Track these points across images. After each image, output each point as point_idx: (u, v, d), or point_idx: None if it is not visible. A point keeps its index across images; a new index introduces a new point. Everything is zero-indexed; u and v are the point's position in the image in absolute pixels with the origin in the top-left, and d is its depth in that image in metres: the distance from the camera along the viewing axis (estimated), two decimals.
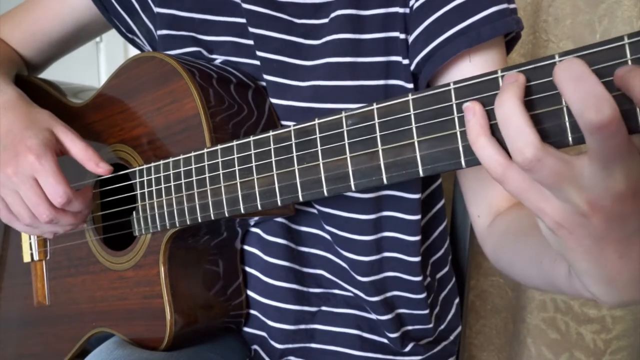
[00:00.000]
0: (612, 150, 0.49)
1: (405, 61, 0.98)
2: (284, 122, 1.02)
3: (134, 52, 1.22)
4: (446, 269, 1.15)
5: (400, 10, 0.98)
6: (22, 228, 1.01)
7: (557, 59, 0.53)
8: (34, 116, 0.99)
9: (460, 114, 0.60)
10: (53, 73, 1.29)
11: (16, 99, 1.03)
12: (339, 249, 1.02)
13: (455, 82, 0.61)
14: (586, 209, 0.52)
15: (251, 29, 1.03)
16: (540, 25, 1.43)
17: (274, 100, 1.02)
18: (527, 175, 0.54)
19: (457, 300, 1.17)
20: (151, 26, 1.12)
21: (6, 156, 0.95)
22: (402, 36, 0.98)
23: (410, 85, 0.98)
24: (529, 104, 0.55)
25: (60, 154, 0.98)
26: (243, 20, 1.05)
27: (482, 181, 0.98)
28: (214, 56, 1.07)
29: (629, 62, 0.49)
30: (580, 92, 0.48)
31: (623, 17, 1.32)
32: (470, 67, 0.95)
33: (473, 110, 0.57)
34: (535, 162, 0.52)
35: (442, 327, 1.14)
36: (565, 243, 0.57)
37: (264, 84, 1.04)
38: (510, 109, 0.53)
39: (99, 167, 0.96)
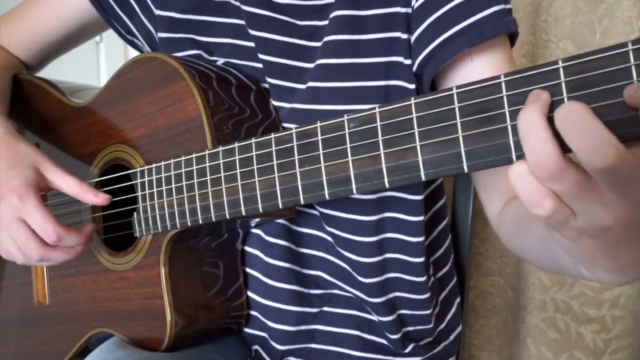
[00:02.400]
0: (624, 180, 0.49)
1: (407, 61, 0.97)
2: (286, 125, 1.02)
3: (134, 52, 1.21)
4: (447, 268, 1.15)
5: (402, 10, 0.97)
6: (20, 263, 1.02)
7: (560, 64, 0.53)
8: (19, 153, 0.99)
9: (462, 119, 0.60)
10: (53, 73, 1.29)
11: (2, 134, 1.02)
12: (341, 250, 1.02)
13: (458, 87, 0.61)
14: (610, 223, 0.53)
15: (252, 32, 1.02)
16: (540, 25, 1.43)
17: (276, 103, 1.02)
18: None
19: (457, 300, 1.17)
20: (151, 27, 1.11)
21: None
22: (404, 36, 0.97)
23: (412, 86, 0.98)
24: None
25: (48, 189, 0.99)
26: (241, 22, 1.04)
27: (493, 172, 0.97)
28: (214, 58, 1.07)
29: (632, 68, 0.49)
30: (581, 137, 0.48)
31: (623, 17, 1.32)
32: (473, 67, 0.94)
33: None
34: (557, 172, 0.50)
35: (442, 327, 1.14)
36: (583, 247, 0.57)
37: (266, 85, 1.04)
38: (532, 121, 0.51)
39: (98, 198, 0.96)
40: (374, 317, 1.06)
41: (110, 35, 1.25)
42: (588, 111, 0.48)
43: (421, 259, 1.04)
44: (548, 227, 0.58)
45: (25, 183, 0.94)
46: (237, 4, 1.04)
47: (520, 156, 0.56)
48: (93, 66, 2.36)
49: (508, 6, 0.94)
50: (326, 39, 0.99)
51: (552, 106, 0.54)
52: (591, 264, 0.60)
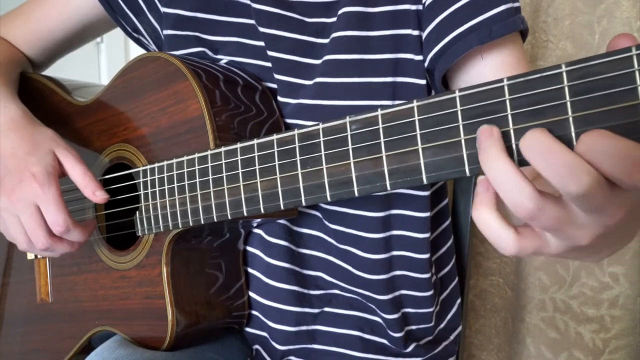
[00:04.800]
0: (599, 202, 0.51)
1: (418, 57, 0.98)
2: (292, 121, 1.02)
3: (134, 52, 1.22)
4: (448, 268, 1.16)
5: (413, 7, 0.98)
6: (21, 249, 1.02)
7: (563, 68, 0.54)
8: (38, 137, 0.99)
9: (465, 122, 0.61)
10: (54, 72, 1.29)
11: (20, 118, 1.02)
12: (345, 247, 1.03)
13: (460, 90, 0.61)
14: (587, 243, 0.55)
15: (262, 29, 1.03)
16: (540, 25, 1.43)
17: (283, 99, 1.03)
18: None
19: (458, 301, 1.17)
20: (157, 25, 1.12)
21: (10, 182, 0.96)
22: (415, 33, 0.98)
23: (423, 82, 0.99)
24: (537, 112, 0.55)
25: (62, 176, 0.98)
26: (249, 21, 1.05)
27: None
28: (219, 56, 1.07)
29: (636, 73, 0.50)
30: (553, 167, 0.50)
31: (622, 18, 1.32)
32: (482, 64, 0.94)
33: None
34: (537, 211, 0.53)
35: (442, 326, 1.14)
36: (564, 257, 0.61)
37: (269, 85, 1.04)
38: (502, 169, 0.54)
39: (95, 196, 0.96)
40: (376, 317, 1.06)
41: (111, 35, 1.26)
42: (554, 140, 0.50)
43: (426, 256, 1.04)
44: None
45: (46, 171, 0.94)
46: (247, 2, 1.05)
47: (522, 161, 0.57)
48: (94, 66, 2.36)
49: (516, 4, 0.95)
50: (334, 35, 1.00)
51: (553, 111, 0.55)
52: (574, 259, 0.63)
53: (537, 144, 0.51)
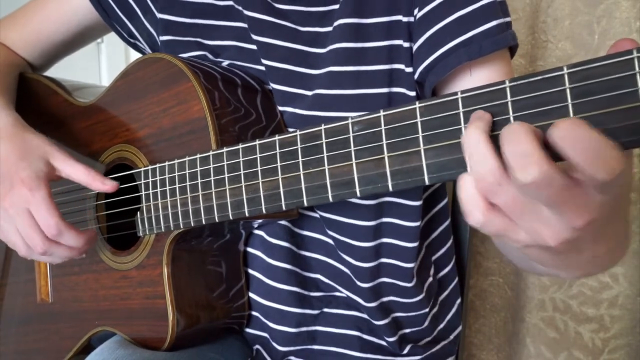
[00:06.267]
0: (555, 197, 0.52)
1: (409, 69, 0.98)
2: (288, 130, 1.02)
3: (135, 52, 1.22)
4: (448, 269, 1.15)
5: (404, 18, 0.97)
6: (22, 255, 1.02)
7: (565, 70, 0.54)
8: (30, 145, 1.00)
9: (467, 124, 0.61)
10: (54, 73, 1.29)
11: (12, 126, 1.03)
12: (341, 254, 1.03)
13: (462, 92, 0.61)
14: (554, 244, 0.56)
15: (254, 37, 1.03)
16: (539, 25, 1.43)
17: (279, 108, 1.03)
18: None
19: (458, 301, 1.17)
20: (152, 30, 1.12)
21: (3, 188, 0.97)
22: (406, 44, 0.98)
23: (413, 93, 0.98)
24: (539, 114, 0.56)
25: (58, 179, 0.99)
26: (245, 25, 1.05)
27: None
28: (220, 60, 1.07)
29: (638, 75, 0.50)
30: (511, 153, 0.52)
31: (621, 18, 1.33)
32: (471, 80, 0.95)
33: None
34: (496, 186, 0.55)
35: (441, 326, 1.14)
36: (530, 255, 0.63)
37: (270, 87, 1.04)
38: (474, 138, 0.56)
39: (105, 185, 0.97)
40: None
41: (111, 35, 1.26)
42: (526, 128, 0.52)
43: (411, 265, 1.04)
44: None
45: (36, 175, 0.95)
46: (240, 8, 1.05)
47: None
48: (94, 66, 2.36)
49: (507, 19, 0.95)
50: (332, 46, 1.00)
51: (555, 113, 0.55)
52: (543, 266, 0.65)
53: (508, 130, 0.52)
